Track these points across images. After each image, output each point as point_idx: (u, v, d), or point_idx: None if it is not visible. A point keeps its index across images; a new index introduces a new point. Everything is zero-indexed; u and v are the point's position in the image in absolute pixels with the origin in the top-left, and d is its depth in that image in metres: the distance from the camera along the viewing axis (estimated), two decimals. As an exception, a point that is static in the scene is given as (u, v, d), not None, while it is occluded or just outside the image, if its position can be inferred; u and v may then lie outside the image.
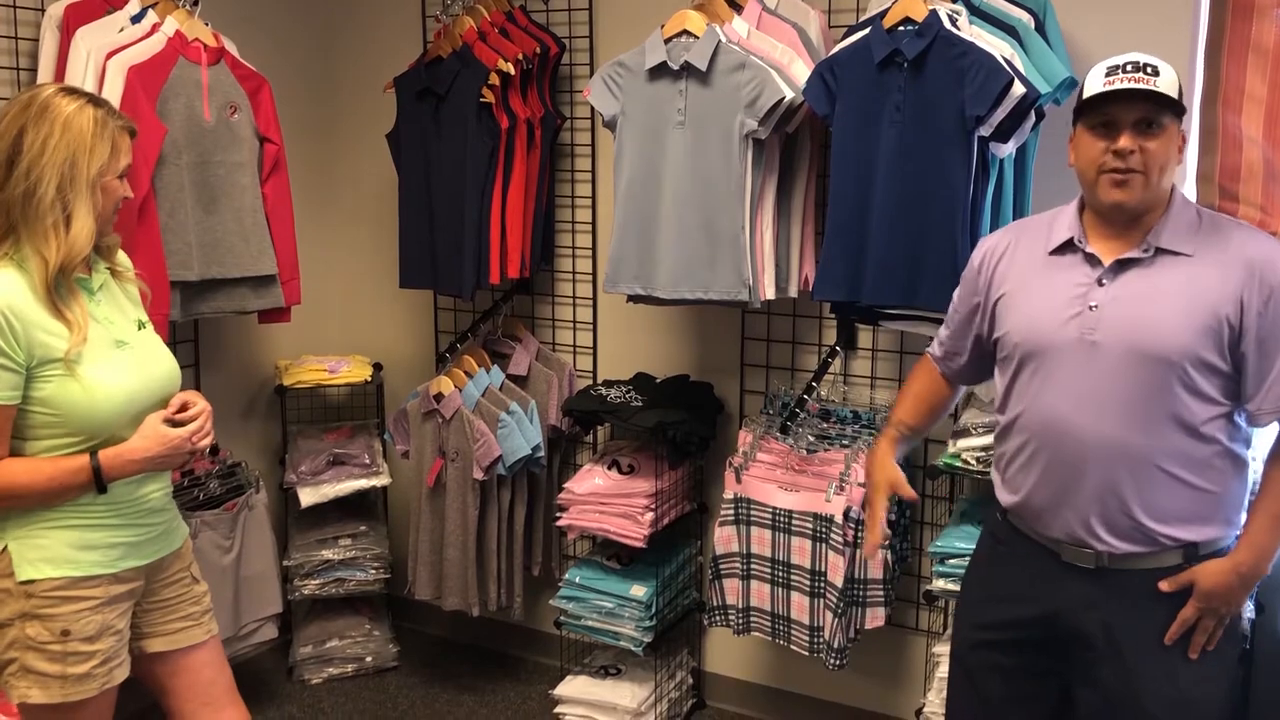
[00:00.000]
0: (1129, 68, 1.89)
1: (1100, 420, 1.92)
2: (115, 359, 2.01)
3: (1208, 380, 1.88)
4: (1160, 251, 1.92)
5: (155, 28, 2.91)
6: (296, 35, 3.79)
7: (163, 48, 2.88)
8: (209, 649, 2.24)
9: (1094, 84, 1.92)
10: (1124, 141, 1.87)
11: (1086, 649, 2.01)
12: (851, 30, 2.69)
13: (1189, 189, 2.65)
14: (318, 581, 3.59)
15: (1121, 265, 1.93)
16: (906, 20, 2.53)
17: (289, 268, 3.18)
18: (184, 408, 2.08)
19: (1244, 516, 1.99)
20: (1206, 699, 1.98)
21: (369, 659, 3.71)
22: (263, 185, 3.10)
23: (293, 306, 3.23)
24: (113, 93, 2.75)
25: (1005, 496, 2.10)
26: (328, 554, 3.60)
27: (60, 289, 1.94)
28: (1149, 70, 1.88)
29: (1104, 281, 1.94)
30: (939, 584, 2.68)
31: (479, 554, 3.34)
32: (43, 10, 2.91)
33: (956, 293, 2.23)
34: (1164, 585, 1.94)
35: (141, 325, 2.12)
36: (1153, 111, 1.88)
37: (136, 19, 2.91)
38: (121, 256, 2.17)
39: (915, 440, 2.40)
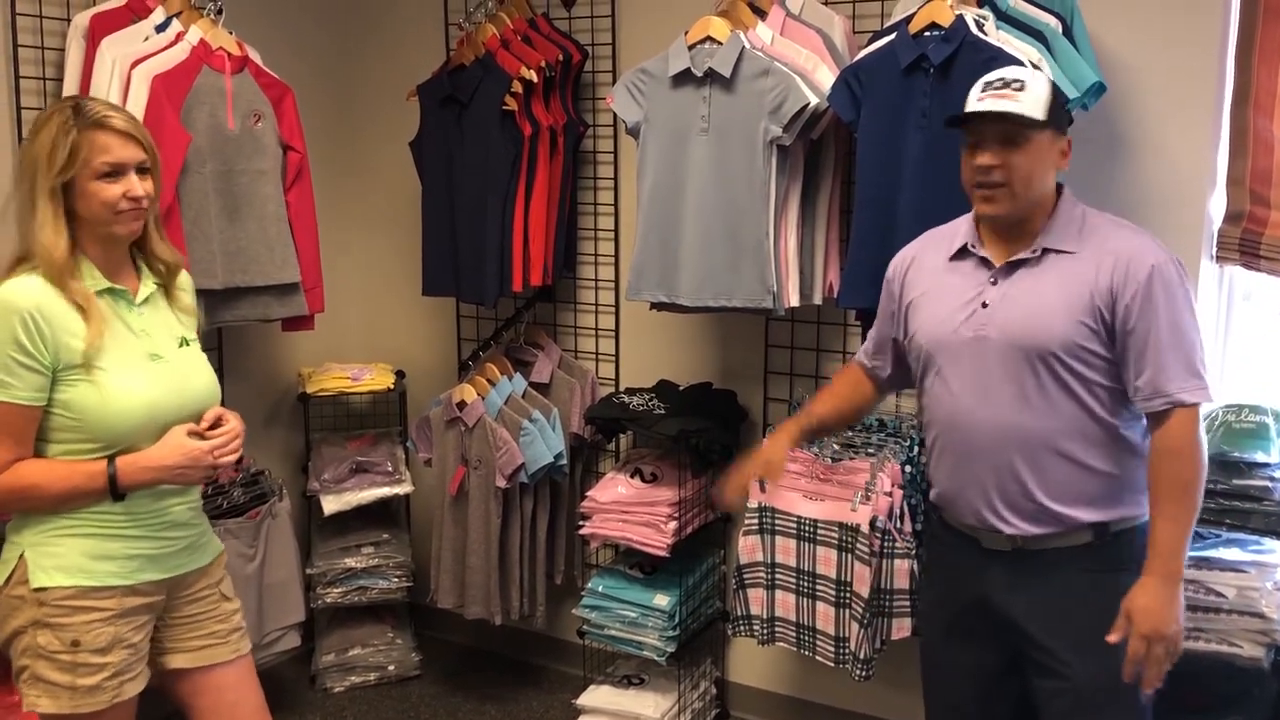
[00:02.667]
0: (997, 84, 2.02)
1: (993, 409, 2.05)
2: (144, 370, 2.00)
3: (1091, 366, 2.00)
4: (1047, 251, 2.05)
5: (179, 36, 2.92)
6: (320, 43, 3.80)
7: (187, 56, 2.89)
8: (236, 669, 2.19)
9: (969, 102, 2.04)
10: (983, 159, 2.02)
11: (1019, 635, 2.10)
12: (877, 36, 2.67)
13: (1219, 193, 2.62)
14: (340, 589, 3.59)
15: (1012, 266, 2.07)
16: (933, 25, 2.51)
17: (312, 276, 3.18)
18: (217, 423, 2.07)
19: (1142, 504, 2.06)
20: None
21: (392, 667, 3.71)
22: (286, 193, 3.11)
23: (316, 314, 3.23)
24: (137, 101, 2.77)
25: (931, 492, 2.25)
26: (350, 562, 3.60)
27: (73, 290, 1.94)
28: (1015, 86, 2.00)
29: (996, 281, 2.08)
30: (966, 594, 2.65)
31: (502, 562, 3.33)
32: (69, 20, 2.93)
33: (880, 302, 2.34)
34: (1111, 638, 1.96)
35: (185, 342, 2.12)
36: (1013, 127, 1.99)
37: (161, 28, 2.93)
38: (183, 279, 2.17)
39: (824, 433, 2.59)
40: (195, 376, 2.10)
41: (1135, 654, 1.95)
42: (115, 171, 1.96)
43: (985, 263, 2.10)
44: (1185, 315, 1.99)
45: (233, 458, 2.06)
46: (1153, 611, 1.94)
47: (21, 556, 1.96)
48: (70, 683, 1.94)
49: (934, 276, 2.18)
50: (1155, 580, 1.95)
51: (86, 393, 1.93)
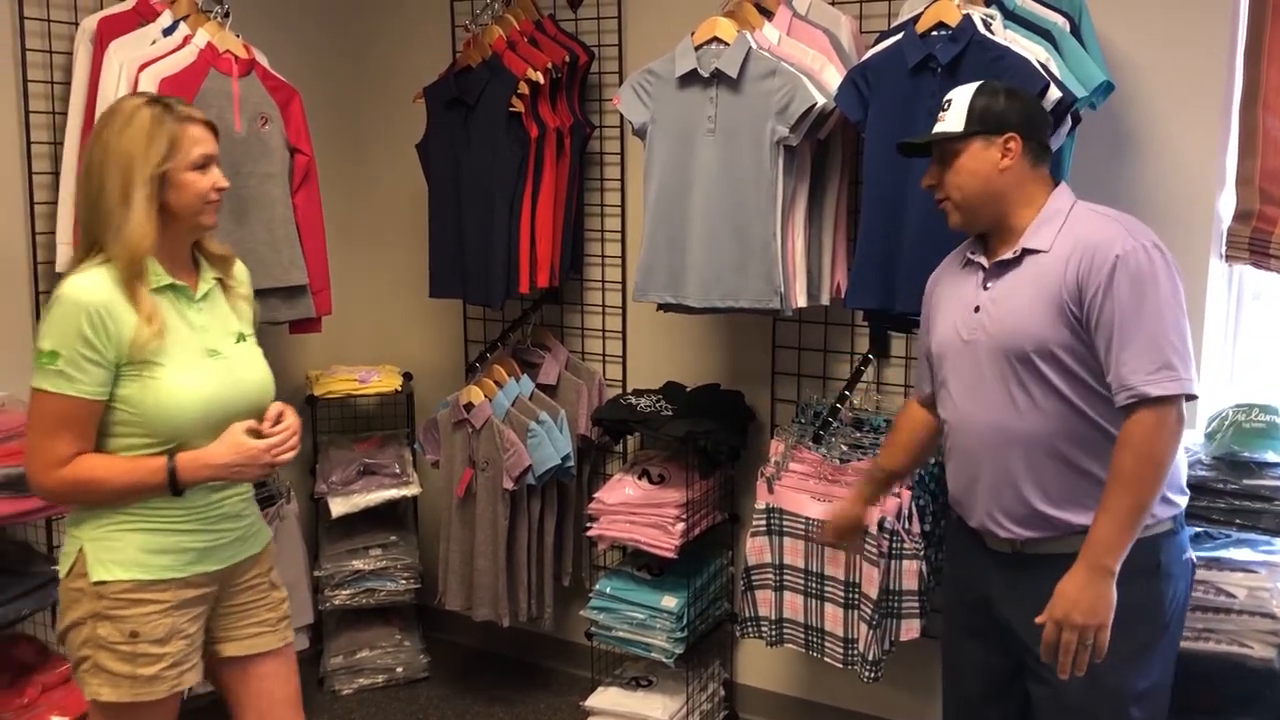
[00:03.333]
0: (937, 110, 2.12)
1: (985, 412, 2.06)
2: (202, 366, 2.03)
3: (1075, 366, 1.98)
4: (1027, 251, 2.05)
5: (187, 40, 2.93)
6: (327, 46, 3.81)
7: (194, 60, 2.90)
8: (278, 659, 2.24)
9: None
10: (924, 180, 2.15)
11: (1014, 639, 2.10)
12: (884, 35, 2.67)
13: (1228, 192, 2.61)
14: (348, 592, 3.59)
15: (998, 269, 2.09)
16: (940, 25, 2.50)
17: (320, 278, 3.18)
18: (278, 420, 2.10)
19: (1163, 508, 2.02)
20: (1128, 683, 2.01)
21: (400, 669, 3.71)
22: (293, 196, 3.11)
23: (323, 317, 3.23)
24: (145, 105, 2.77)
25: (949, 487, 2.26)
26: (358, 564, 3.60)
27: (137, 286, 1.97)
28: (944, 108, 2.10)
29: (988, 285, 2.10)
30: (975, 595, 2.64)
31: (509, 564, 3.33)
32: (77, 24, 2.94)
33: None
34: (1038, 619, 1.95)
35: (242, 338, 2.15)
36: (940, 146, 2.10)
37: (168, 31, 2.93)
38: (239, 270, 2.21)
39: (896, 481, 2.53)
40: (251, 372, 2.13)
41: (1047, 637, 1.93)
42: (206, 163, 2.03)
43: (981, 268, 2.13)
44: (1154, 304, 1.92)
45: (290, 455, 2.09)
46: (1068, 597, 1.91)
47: (81, 550, 2.00)
48: (130, 672, 1.98)
49: (948, 286, 2.21)
50: (1080, 568, 1.92)
51: (146, 388, 1.96)
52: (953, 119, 2.08)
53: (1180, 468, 2.08)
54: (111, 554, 1.99)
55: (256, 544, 2.20)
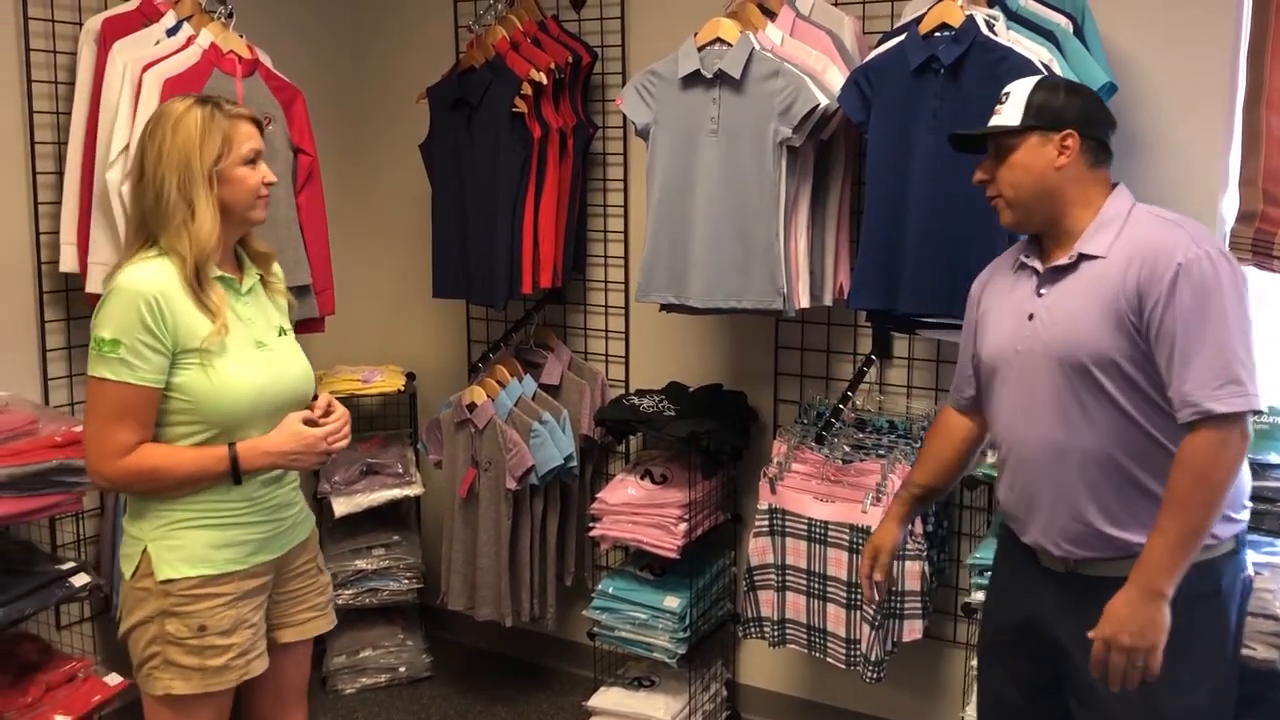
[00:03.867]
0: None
1: (1038, 426, 1.97)
2: (252, 357, 2.08)
3: (1132, 373, 1.88)
4: (1083, 257, 1.95)
5: (190, 40, 2.93)
6: (330, 46, 3.81)
7: (198, 60, 2.90)
8: (306, 645, 2.31)
9: None
10: (976, 176, 2.06)
11: (1064, 658, 2.01)
12: (887, 36, 2.67)
13: (1231, 193, 2.61)
14: (351, 591, 3.59)
15: (1053, 274, 1.99)
16: (943, 26, 2.50)
17: (323, 278, 3.18)
18: (328, 411, 2.16)
19: (1224, 527, 1.92)
20: (1185, 713, 1.92)
21: (402, 669, 3.71)
22: (297, 196, 3.11)
23: (327, 317, 3.24)
24: (149, 105, 2.77)
25: (999, 501, 2.17)
26: (361, 564, 3.60)
27: (201, 283, 2.02)
28: (1001, 100, 2.01)
29: (1042, 292, 2.00)
30: (978, 596, 2.63)
31: (512, 564, 3.33)
32: (80, 24, 2.94)
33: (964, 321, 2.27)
34: (1091, 633, 1.87)
35: (283, 332, 2.20)
36: (994, 141, 2.02)
37: (172, 32, 2.94)
38: (277, 268, 2.27)
39: (936, 497, 2.42)
40: (294, 364, 2.19)
41: (1096, 655, 1.87)
42: (256, 158, 2.09)
43: (1034, 273, 2.03)
44: (1218, 314, 1.81)
45: (344, 443, 2.16)
46: (1117, 618, 1.84)
47: (145, 551, 2.04)
48: (200, 664, 2.04)
49: (1000, 291, 2.11)
50: (1131, 589, 1.84)
51: (200, 377, 2.00)
52: (1009, 112, 1.99)
53: (1245, 480, 1.98)
54: (176, 552, 2.03)
55: (305, 530, 2.27)
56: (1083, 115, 1.98)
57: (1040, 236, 2.04)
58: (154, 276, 1.98)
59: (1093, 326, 1.90)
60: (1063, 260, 1.97)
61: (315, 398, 2.20)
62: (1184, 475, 1.83)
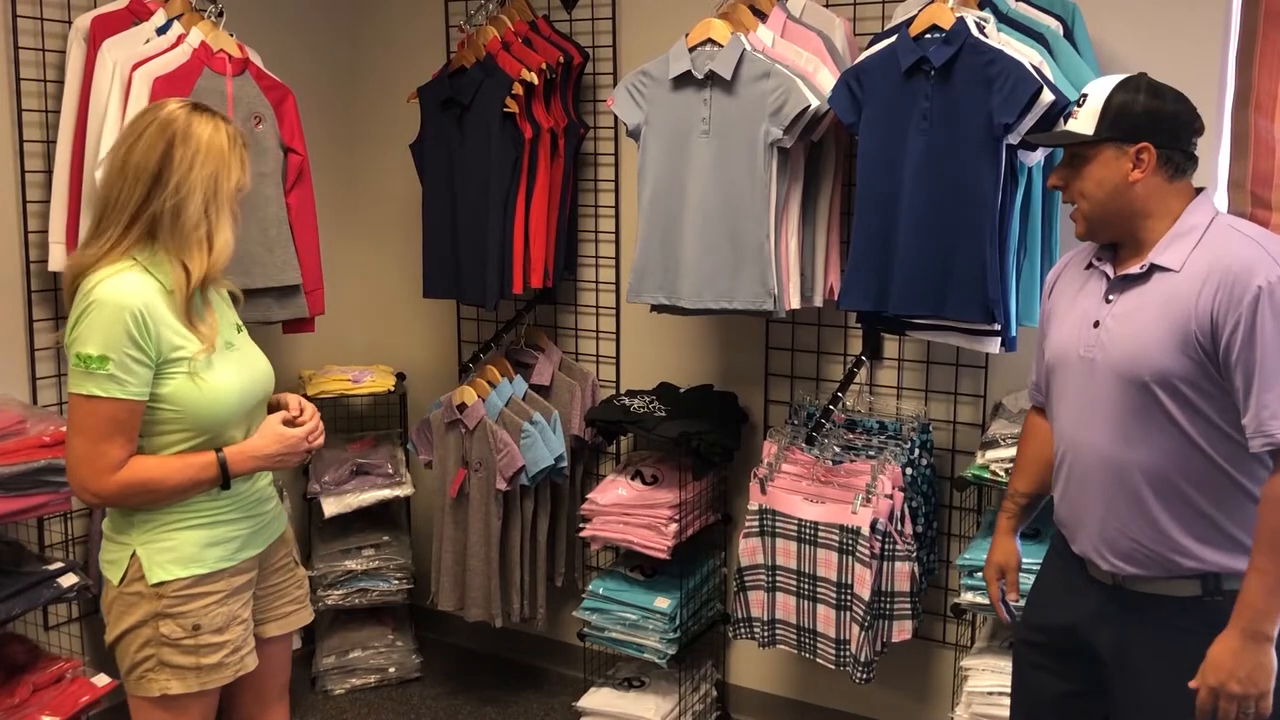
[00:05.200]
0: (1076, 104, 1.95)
1: (1095, 436, 1.92)
2: (226, 358, 2.08)
3: (1194, 398, 1.82)
4: (1155, 268, 1.88)
5: (180, 39, 2.92)
6: (320, 46, 3.80)
7: (188, 59, 2.89)
8: (286, 640, 2.33)
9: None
10: (1050, 181, 1.99)
11: (1103, 666, 1.98)
12: (878, 38, 2.67)
13: (1220, 195, 2.62)
14: (341, 592, 3.58)
15: (1124, 283, 1.92)
16: (934, 28, 2.51)
17: (313, 278, 3.18)
18: (301, 410, 2.20)
19: None
20: None
21: (392, 670, 3.71)
22: (287, 195, 3.11)
23: (317, 316, 3.23)
24: (139, 104, 2.76)
25: (1054, 505, 2.11)
26: (351, 564, 3.60)
27: (197, 299, 2.03)
28: (1078, 103, 1.93)
29: (1111, 298, 1.93)
30: (967, 597, 2.64)
31: (502, 565, 3.33)
32: (70, 23, 2.93)
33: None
34: (1193, 683, 1.82)
35: (239, 328, 2.20)
36: (1071, 147, 1.94)
37: (162, 30, 2.93)
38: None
39: (1040, 503, 2.27)
40: (259, 360, 2.20)
41: (1201, 705, 1.82)
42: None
43: (1106, 278, 1.95)
44: None
45: (321, 440, 2.21)
46: (1223, 666, 1.78)
47: (133, 556, 2.03)
48: (195, 663, 2.04)
49: (1069, 289, 2.04)
50: (1233, 633, 1.78)
51: (186, 384, 2.00)
52: (1084, 119, 1.89)
53: None
54: (166, 554, 2.03)
55: (281, 524, 2.29)
56: (1161, 125, 1.87)
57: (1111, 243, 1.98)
58: (136, 289, 1.95)
59: (1158, 345, 1.83)
60: (1134, 269, 1.90)
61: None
62: (1273, 511, 1.76)
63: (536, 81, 3.15)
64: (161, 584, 2.01)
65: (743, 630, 3.00)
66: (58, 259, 2.88)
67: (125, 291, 1.94)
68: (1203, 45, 2.60)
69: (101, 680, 2.76)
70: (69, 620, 3.12)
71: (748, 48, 2.74)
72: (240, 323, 2.22)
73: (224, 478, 2.04)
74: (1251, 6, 2.49)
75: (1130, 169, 1.87)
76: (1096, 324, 1.93)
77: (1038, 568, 2.21)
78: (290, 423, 2.16)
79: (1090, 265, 2.01)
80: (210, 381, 2.01)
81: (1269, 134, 2.50)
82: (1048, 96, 2.36)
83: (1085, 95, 1.92)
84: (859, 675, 2.79)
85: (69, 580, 2.72)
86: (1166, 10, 2.63)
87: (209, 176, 2.00)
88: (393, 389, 3.69)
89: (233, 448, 2.06)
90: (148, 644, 2.03)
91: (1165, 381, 1.82)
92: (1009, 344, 2.55)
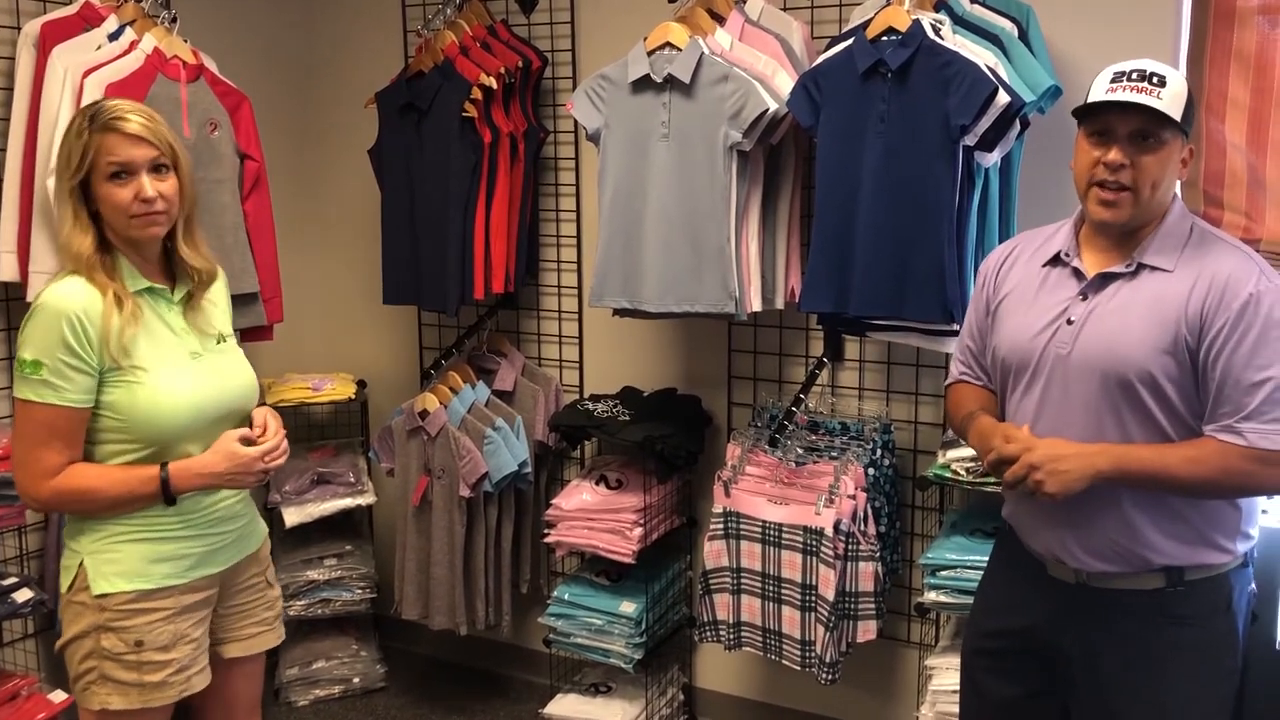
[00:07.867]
0: (1134, 76, 1.83)
1: (1072, 435, 1.87)
2: (187, 369, 2.03)
3: (1173, 397, 1.83)
4: (1142, 266, 1.88)
5: (133, 45, 2.88)
6: (276, 51, 3.77)
7: (141, 65, 2.86)
8: (257, 660, 2.27)
9: (1097, 89, 1.87)
10: (1114, 155, 1.83)
11: (1066, 665, 1.98)
12: (835, 41, 2.68)
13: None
14: (303, 602, 3.55)
15: (1104, 279, 1.90)
16: (890, 30, 2.52)
17: (271, 285, 3.15)
18: (264, 429, 2.10)
19: (1242, 543, 1.91)
20: None
21: (356, 680, 3.67)
22: (244, 202, 3.07)
23: (275, 324, 3.20)
24: (90, 111, 2.73)
25: (1004, 505, 2.11)
26: (313, 574, 3.56)
27: (113, 288, 1.95)
28: (1154, 80, 1.82)
29: (1086, 295, 1.91)
30: (930, 596, 2.66)
31: (466, 572, 3.31)
32: (19, 28, 2.88)
33: (970, 305, 2.18)
34: (1028, 444, 1.84)
35: (222, 339, 2.14)
36: (1151, 125, 1.82)
37: (114, 36, 2.89)
38: (214, 292, 2.15)
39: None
40: (235, 374, 2.13)
41: (1017, 465, 1.83)
42: (122, 172, 1.95)
43: (1078, 274, 1.93)
44: None
45: (282, 461, 2.11)
46: (1055, 449, 1.82)
47: (81, 564, 1.99)
48: (137, 680, 2.00)
49: (1025, 282, 2.01)
50: (1092, 449, 1.82)
51: (131, 393, 1.95)
52: (1170, 102, 1.81)
53: (1256, 503, 1.95)
54: (112, 566, 1.99)
55: (254, 542, 2.22)
56: (1192, 127, 1.88)
57: (1097, 234, 1.94)
58: (75, 293, 1.92)
59: (1147, 342, 1.82)
60: (1118, 267, 1.89)
61: (262, 403, 2.17)
62: (1217, 462, 1.79)
63: (495, 86, 3.13)
64: (105, 595, 1.98)
65: (709, 633, 2.99)
66: (8, 269, 2.83)
67: (64, 296, 1.92)
68: (1154, 46, 2.63)
69: (58, 697, 2.72)
70: (24, 636, 3.07)
71: (706, 51, 2.75)
72: (227, 333, 2.16)
73: (166, 493, 1.98)
74: (1201, 7, 2.53)
75: (1180, 167, 1.88)
76: (1070, 321, 1.90)
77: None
78: (250, 441, 2.06)
79: (1053, 262, 1.98)
80: (156, 392, 1.96)
81: (1220, 134, 2.54)
82: (1003, 98, 2.38)
83: (1157, 75, 1.82)
84: (824, 676, 2.80)
85: (24, 595, 2.68)
86: (1119, 12, 2.67)
87: (58, 174, 1.97)
88: (354, 397, 3.67)
89: (179, 463, 1.99)
90: (90, 655, 2.00)
91: (1148, 378, 1.83)
92: (968, 344, 2.56)
